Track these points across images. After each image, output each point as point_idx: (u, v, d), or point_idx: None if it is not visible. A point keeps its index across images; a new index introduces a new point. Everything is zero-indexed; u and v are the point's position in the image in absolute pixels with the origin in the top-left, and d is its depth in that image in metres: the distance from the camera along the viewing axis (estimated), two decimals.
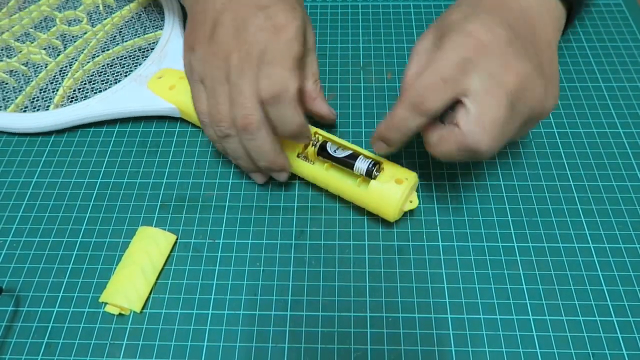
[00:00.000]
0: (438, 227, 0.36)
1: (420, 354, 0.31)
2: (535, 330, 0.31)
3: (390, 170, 0.34)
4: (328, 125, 0.41)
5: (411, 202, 0.35)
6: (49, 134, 0.41)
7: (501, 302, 0.33)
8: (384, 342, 0.31)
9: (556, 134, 0.41)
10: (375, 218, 0.36)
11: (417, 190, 0.37)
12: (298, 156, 0.36)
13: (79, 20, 0.47)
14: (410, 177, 0.34)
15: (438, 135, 0.30)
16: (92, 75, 0.43)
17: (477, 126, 0.28)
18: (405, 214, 0.36)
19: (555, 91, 0.31)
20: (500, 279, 0.33)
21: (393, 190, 0.33)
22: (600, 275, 0.34)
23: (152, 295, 0.33)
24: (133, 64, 0.44)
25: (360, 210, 0.37)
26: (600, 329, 0.31)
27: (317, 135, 0.37)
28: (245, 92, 0.32)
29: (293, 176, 0.38)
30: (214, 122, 0.34)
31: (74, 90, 0.42)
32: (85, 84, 0.43)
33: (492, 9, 0.30)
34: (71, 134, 0.42)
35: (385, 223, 0.36)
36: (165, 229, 0.36)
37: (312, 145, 0.36)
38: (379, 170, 0.34)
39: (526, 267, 0.34)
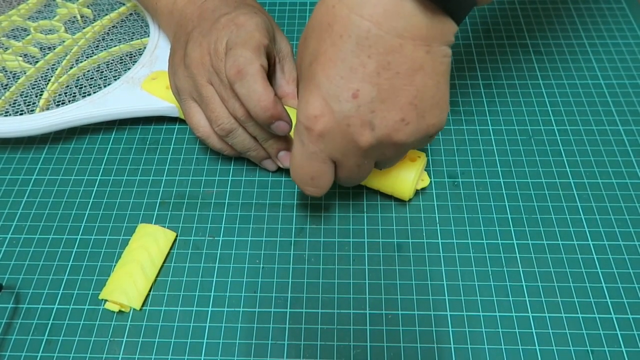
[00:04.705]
0: (437, 225, 0.36)
1: (419, 351, 0.31)
2: (535, 328, 0.32)
3: None
4: None
5: (422, 180, 0.36)
6: (47, 132, 0.41)
7: (500, 299, 0.33)
8: (383, 339, 0.31)
9: (556, 131, 0.41)
10: (374, 216, 0.36)
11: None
12: None
13: (55, 30, 0.46)
14: (422, 156, 0.35)
15: None
16: (79, 80, 0.43)
17: (290, 162, 0.31)
18: (405, 211, 0.36)
19: (414, 121, 0.27)
20: (499, 277, 0.34)
21: (408, 168, 0.34)
22: (600, 273, 0.34)
23: (151, 293, 0.33)
24: (122, 68, 0.43)
25: (359, 207, 0.37)
26: (600, 326, 0.31)
27: None
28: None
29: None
30: (214, 124, 0.35)
31: (61, 94, 0.42)
32: (72, 88, 0.42)
33: (333, 43, 0.26)
34: (70, 133, 0.42)
35: (385, 220, 0.36)
36: (164, 226, 0.36)
37: None
38: None
39: (525, 264, 0.34)
